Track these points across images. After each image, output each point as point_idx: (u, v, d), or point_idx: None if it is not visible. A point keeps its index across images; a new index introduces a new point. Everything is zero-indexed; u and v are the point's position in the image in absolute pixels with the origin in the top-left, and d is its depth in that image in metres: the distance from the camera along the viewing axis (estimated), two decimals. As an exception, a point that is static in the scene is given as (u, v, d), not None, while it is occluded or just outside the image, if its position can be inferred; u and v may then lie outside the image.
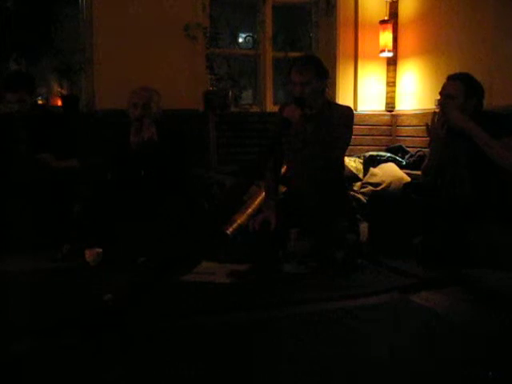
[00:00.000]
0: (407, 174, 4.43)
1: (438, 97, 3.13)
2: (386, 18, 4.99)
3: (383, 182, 4.36)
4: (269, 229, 3.02)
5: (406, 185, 3.79)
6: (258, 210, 3.50)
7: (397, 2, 5.09)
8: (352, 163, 4.64)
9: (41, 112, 3.61)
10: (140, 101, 3.30)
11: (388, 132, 5.21)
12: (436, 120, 3.12)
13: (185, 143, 3.55)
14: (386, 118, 5.22)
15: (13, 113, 3.37)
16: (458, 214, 2.95)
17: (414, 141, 4.85)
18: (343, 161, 3.30)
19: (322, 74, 3.02)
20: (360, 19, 5.05)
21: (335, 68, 5.05)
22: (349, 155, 4.55)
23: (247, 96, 5.12)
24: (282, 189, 3.40)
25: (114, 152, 3.42)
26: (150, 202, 3.26)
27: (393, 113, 5.23)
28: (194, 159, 4.11)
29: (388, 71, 5.20)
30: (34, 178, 3.31)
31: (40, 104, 4.13)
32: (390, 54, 5.06)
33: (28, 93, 3.40)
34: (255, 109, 5.01)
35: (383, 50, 5.01)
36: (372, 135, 5.15)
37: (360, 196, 4.26)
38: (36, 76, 3.87)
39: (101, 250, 2.96)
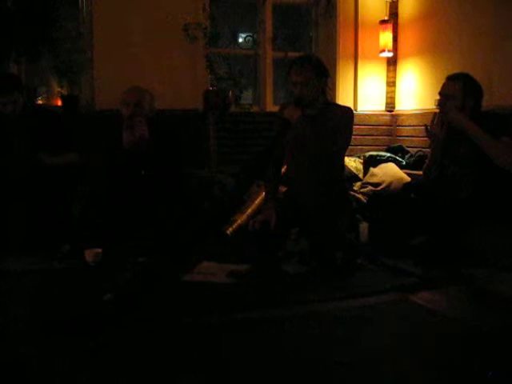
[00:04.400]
0: (407, 174, 4.43)
1: (438, 97, 3.13)
2: (385, 18, 4.99)
3: (383, 182, 4.36)
4: (269, 229, 3.01)
5: (406, 185, 3.79)
6: (258, 210, 3.50)
7: (397, 2, 5.09)
8: (352, 163, 4.64)
9: (34, 111, 3.61)
10: (131, 100, 3.32)
11: (388, 132, 5.21)
12: (435, 120, 3.12)
13: (178, 142, 3.54)
14: (386, 118, 5.22)
15: (6, 114, 3.37)
16: (458, 214, 2.95)
17: (414, 141, 4.85)
18: (343, 161, 3.30)
19: (322, 74, 3.02)
20: (360, 19, 5.05)
21: (335, 68, 5.04)
22: (349, 155, 4.54)
23: (247, 96, 5.12)
24: (282, 189, 3.40)
25: (109, 151, 3.42)
26: (149, 201, 3.27)
27: (393, 113, 5.22)
28: (192, 159, 4.10)
29: (388, 71, 5.20)
30: (32, 178, 3.31)
31: (33, 103, 4.12)
32: (390, 54, 5.05)
33: (20, 93, 3.41)
34: (255, 109, 5.01)
35: (383, 50, 5.01)
36: (372, 135, 5.15)
37: (360, 196, 4.26)
38: (36, 76, 3.87)
39: (101, 250, 2.96)
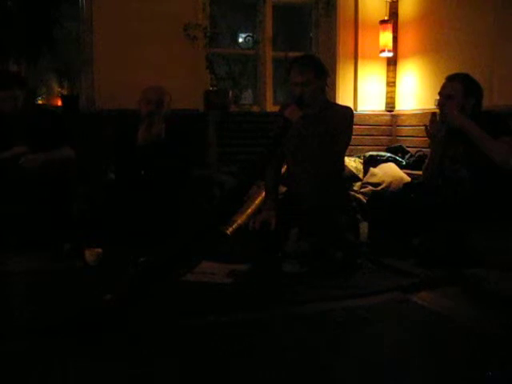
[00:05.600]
0: (407, 174, 4.43)
1: (438, 97, 3.13)
2: (386, 17, 4.99)
3: (383, 182, 4.36)
4: (269, 229, 3.01)
5: (406, 185, 3.79)
6: (258, 210, 3.50)
7: (397, 2, 5.09)
8: (352, 163, 4.64)
9: (34, 110, 3.59)
10: (153, 97, 3.38)
11: (388, 132, 5.22)
12: (435, 120, 3.12)
13: (190, 143, 3.58)
14: (386, 118, 5.22)
15: (6, 111, 3.37)
16: (457, 214, 2.95)
17: (414, 141, 4.85)
18: (343, 161, 3.30)
19: (321, 74, 3.01)
20: (360, 19, 5.05)
21: (335, 68, 5.05)
22: (349, 155, 4.55)
23: (247, 96, 5.13)
24: (282, 189, 3.40)
25: (119, 151, 3.43)
26: (150, 202, 3.27)
27: (393, 113, 5.23)
28: (194, 159, 4.11)
29: (388, 71, 5.20)
30: (31, 177, 3.30)
31: (33, 103, 4.11)
32: (390, 54, 5.06)
33: (20, 90, 3.40)
34: (255, 109, 5.02)
35: (383, 50, 5.01)
36: (372, 135, 5.16)
37: (360, 196, 4.26)
38: (36, 76, 3.86)
39: (101, 250, 2.96)
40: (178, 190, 3.39)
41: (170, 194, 3.33)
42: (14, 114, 3.38)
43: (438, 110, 3.15)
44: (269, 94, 5.06)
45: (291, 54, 4.86)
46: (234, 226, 3.52)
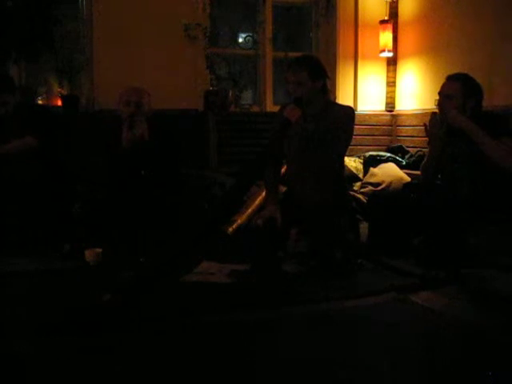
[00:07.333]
0: (407, 174, 4.43)
1: (438, 97, 3.13)
2: (386, 18, 4.99)
3: (383, 182, 4.36)
4: (273, 226, 2.98)
5: (406, 185, 3.79)
6: (258, 210, 3.50)
7: (397, 2, 5.09)
8: (352, 163, 4.64)
9: (26, 110, 3.56)
10: (132, 99, 3.34)
11: (388, 132, 5.21)
12: (435, 120, 3.12)
13: (175, 143, 3.55)
14: (386, 118, 5.22)
15: None
16: (457, 214, 2.95)
17: (414, 141, 4.85)
18: (343, 160, 3.30)
19: (317, 75, 2.99)
20: (360, 19, 5.05)
21: (335, 68, 5.05)
22: (349, 155, 4.54)
23: (247, 96, 5.12)
24: (282, 189, 3.39)
25: (108, 151, 3.42)
26: (149, 201, 3.27)
27: (393, 113, 5.23)
28: (192, 159, 4.10)
29: (388, 71, 5.20)
30: (30, 177, 3.28)
31: (27, 103, 4.08)
32: (390, 54, 5.06)
33: (11, 94, 3.39)
34: (255, 109, 5.01)
35: (383, 50, 5.01)
36: (372, 135, 5.16)
37: (360, 196, 4.26)
38: (36, 76, 3.85)
39: (101, 250, 2.96)
40: (172, 190, 3.38)
41: (164, 193, 3.32)
42: (6, 117, 3.36)
43: (438, 110, 3.15)
44: (269, 94, 5.06)
45: (291, 54, 4.86)
46: (234, 226, 3.52)
